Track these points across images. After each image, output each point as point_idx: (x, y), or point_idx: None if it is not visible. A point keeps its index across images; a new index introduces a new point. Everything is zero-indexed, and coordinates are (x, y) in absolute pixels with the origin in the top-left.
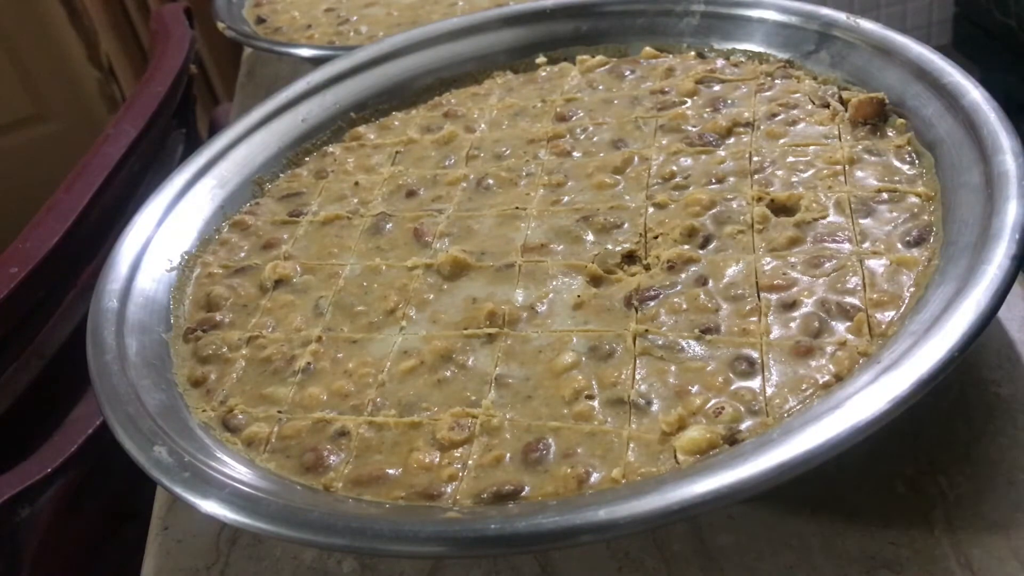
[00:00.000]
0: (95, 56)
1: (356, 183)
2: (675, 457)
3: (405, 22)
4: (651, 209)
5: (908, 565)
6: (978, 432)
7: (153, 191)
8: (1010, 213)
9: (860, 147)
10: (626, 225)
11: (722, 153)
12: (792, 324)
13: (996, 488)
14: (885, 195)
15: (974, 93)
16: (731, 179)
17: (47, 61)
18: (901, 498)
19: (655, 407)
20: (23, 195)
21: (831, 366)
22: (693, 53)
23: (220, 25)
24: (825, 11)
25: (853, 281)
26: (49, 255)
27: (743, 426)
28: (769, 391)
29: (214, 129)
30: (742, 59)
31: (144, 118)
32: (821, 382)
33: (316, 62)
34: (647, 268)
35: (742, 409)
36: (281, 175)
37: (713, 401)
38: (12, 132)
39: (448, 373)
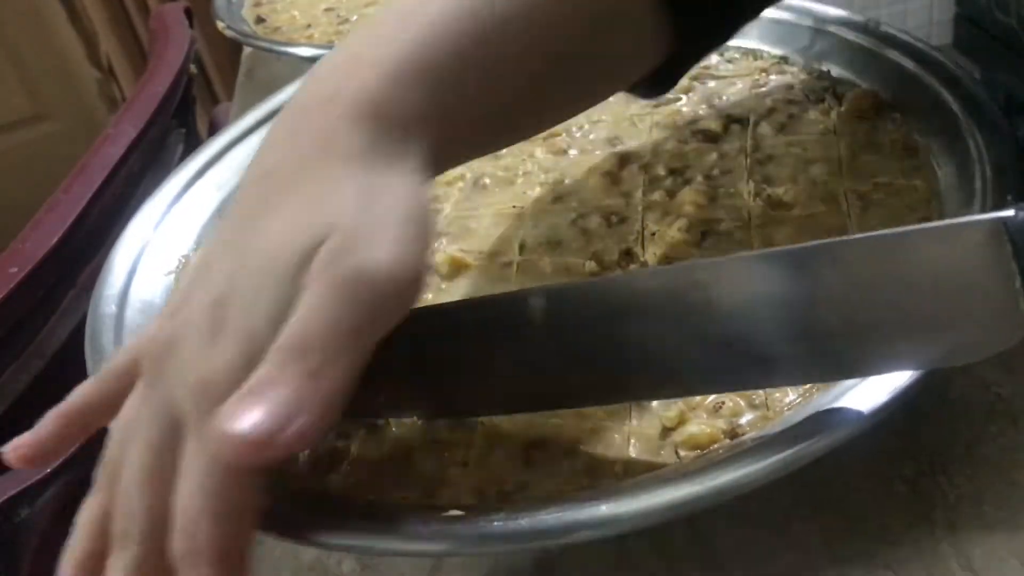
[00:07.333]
0: (95, 56)
1: None
2: (676, 452)
3: None
4: (648, 206)
5: (908, 565)
6: (979, 432)
7: (151, 193)
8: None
9: (856, 141)
10: (623, 223)
11: (718, 150)
12: None
13: (997, 489)
14: (883, 189)
15: (969, 87)
16: (727, 176)
17: (47, 61)
18: (901, 498)
19: (655, 403)
20: (23, 195)
21: None
22: None
23: (220, 25)
24: (819, 7)
25: None
26: (49, 255)
27: (743, 420)
28: None
29: (214, 129)
30: (736, 55)
31: (144, 118)
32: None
33: (316, 62)
34: (644, 265)
35: (742, 403)
36: None
37: (713, 396)
38: (12, 132)
39: None
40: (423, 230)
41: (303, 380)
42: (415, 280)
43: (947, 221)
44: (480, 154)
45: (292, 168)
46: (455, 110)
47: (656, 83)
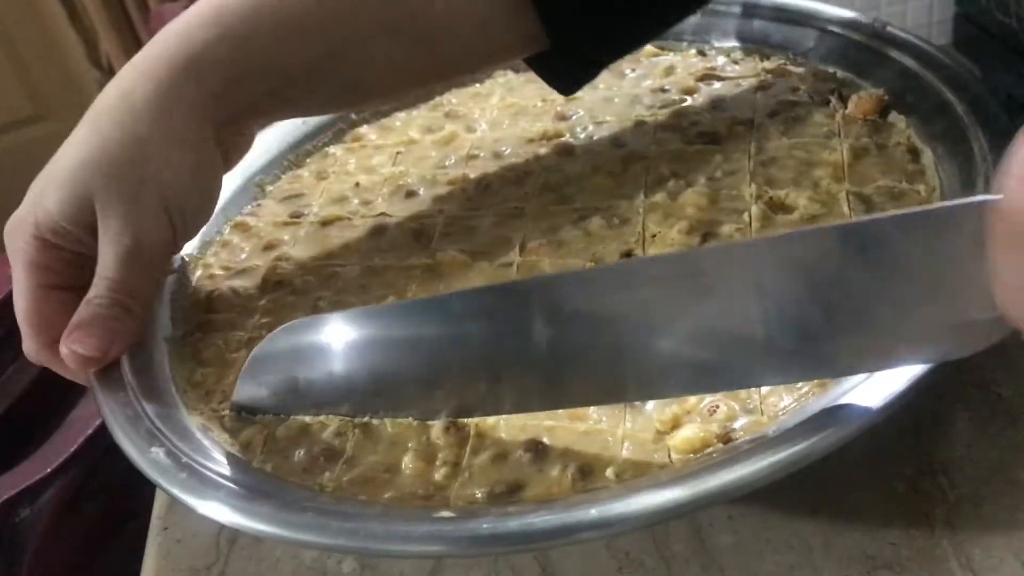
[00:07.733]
0: (95, 56)
1: (357, 184)
2: (669, 456)
3: None
4: (650, 208)
5: (908, 565)
6: (979, 433)
7: None
8: None
9: (860, 144)
10: (624, 224)
11: (722, 151)
12: None
13: (997, 489)
14: (886, 192)
15: (974, 87)
16: (730, 177)
17: (47, 61)
18: (901, 498)
19: (650, 406)
20: (23, 195)
21: None
22: (694, 51)
23: None
24: (825, 8)
25: None
26: None
27: (737, 424)
28: (764, 389)
29: None
30: (741, 57)
31: None
32: (816, 380)
33: None
34: None
35: (737, 408)
36: (282, 177)
37: (708, 400)
38: (12, 132)
39: None
40: (186, 201)
41: (113, 321)
42: (173, 242)
43: (935, 204)
44: (284, 112)
45: (104, 102)
46: (245, 55)
47: (565, 77)
